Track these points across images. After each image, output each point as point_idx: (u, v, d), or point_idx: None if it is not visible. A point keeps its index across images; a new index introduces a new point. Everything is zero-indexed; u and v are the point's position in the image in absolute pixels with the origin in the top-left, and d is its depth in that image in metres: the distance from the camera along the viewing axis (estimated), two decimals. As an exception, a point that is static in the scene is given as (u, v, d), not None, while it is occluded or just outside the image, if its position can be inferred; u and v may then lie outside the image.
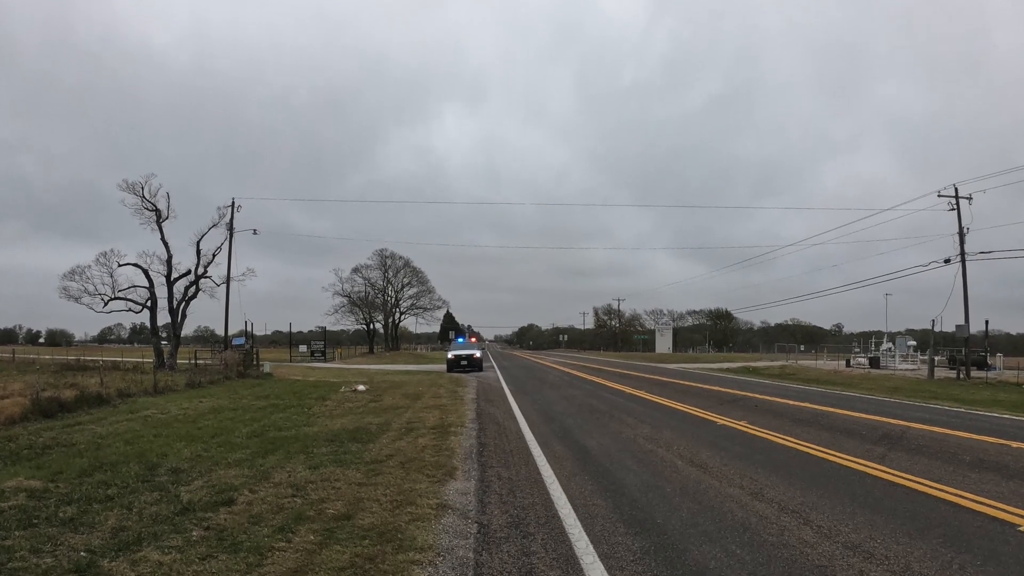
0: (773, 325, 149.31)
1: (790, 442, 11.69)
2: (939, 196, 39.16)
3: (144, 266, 38.06)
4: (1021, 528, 6.45)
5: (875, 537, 6.18)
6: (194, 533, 6.29)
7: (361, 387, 24.52)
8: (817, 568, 5.39)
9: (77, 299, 37.37)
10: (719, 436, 12.66)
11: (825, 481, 8.55)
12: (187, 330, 46.07)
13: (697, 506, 7.42)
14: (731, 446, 11.38)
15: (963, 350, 37.19)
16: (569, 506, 7.42)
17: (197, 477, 8.64)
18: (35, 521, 6.64)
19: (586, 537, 6.27)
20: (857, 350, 59.18)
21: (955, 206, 38.55)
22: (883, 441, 11.89)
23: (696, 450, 10.96)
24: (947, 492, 7.86)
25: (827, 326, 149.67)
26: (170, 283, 38.95)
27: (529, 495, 7.99)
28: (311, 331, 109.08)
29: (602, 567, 5.47)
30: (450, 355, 43.71)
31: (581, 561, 5.62)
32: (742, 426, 13.98)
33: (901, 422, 14.83)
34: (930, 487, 8.13)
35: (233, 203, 45.28)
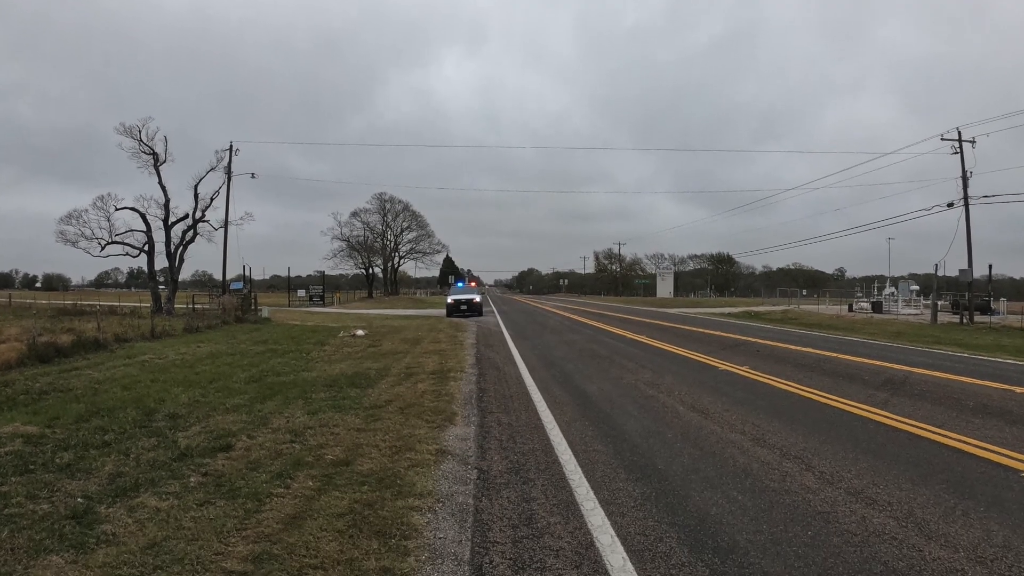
0: (775, 269, 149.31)
1: (792, 387, 11.64)
2: (942, 140, 38.69)
3: (141, 210, 37.93)
4: (1026, 474, 6.40)
5: (878, 483, 6.12)
6: (192, 479, 6.24)
7: (360, 332, 24.49)
8: (819, 515, 5.34)
9: (74, 243, 37.34)
10: (721, 381, 12.61)
11: (827, 427, 8.50)
12: (185, 274, 45.93)
13: (698, 452, 7.36)
14: (733, 391, 11.33)
15: (966, 295, 37.12)
16: (569, 452, 7.36)
17: (195, 423, 8.59)
18: (31, 467, 6.59)
19: (587, 483, 6.22)
20: (860, 295, 59.20)
21: (958, 149, 38.10)
22: (886, 386, 11.84)
23: (697, 395, 10.91)
24: (950, 438, 7.81)
25: (829, 270, 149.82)
26: (167, 227, 38.77)
27: (529, 441, 7.94)
28: (309, 276, 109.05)
29: (603, 513, 5.42)
30: (449, 300, 43.67)
31: (582, 507, 5.57)
32: (744, 371, 13.94)
33: (904, 367, 14.79)
34: (933, 433, 8.07)
35: (231, 147, 44.84)
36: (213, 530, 4.93)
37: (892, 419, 8.85)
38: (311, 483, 6.06)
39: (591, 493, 5.93)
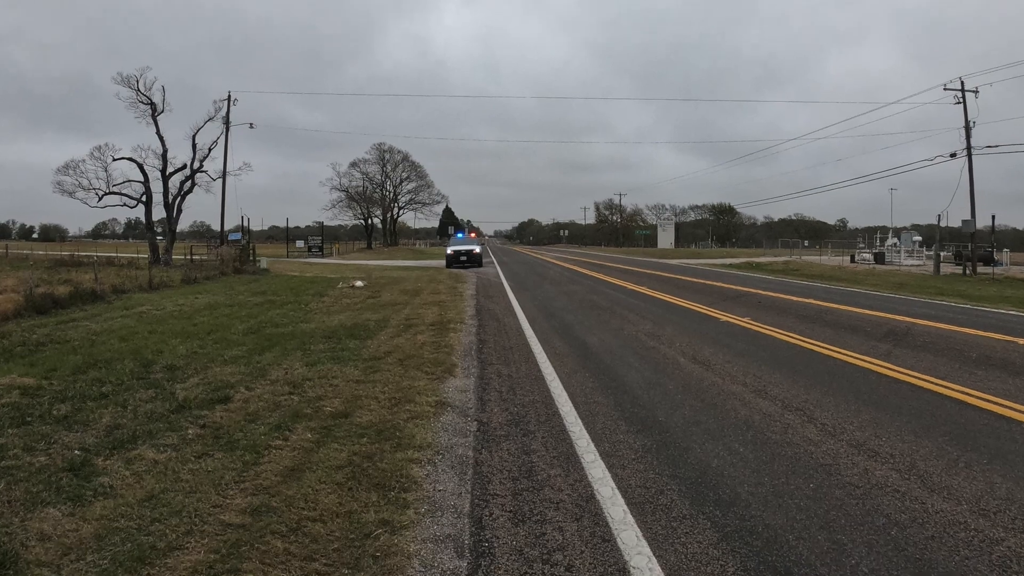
0: (777, 220, 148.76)
1: (794, 339, 11.59)
2: (945, 89, 38.19)
3: (139, 160, 37.64)
4: (1029, 426, 6.36)
5: (880, 435, 6.08)
6: (190, 431, 6.20)
7: (359, 283, 24.41)
8: (822, 467, 5.30)
9: (71, 194, 37.15)
10: (722, 333, 12.56)
11: (829, 378, 8.45)
12: (183, 225, 45.75)
13: (700, 403, 7.32)
14: (734, 343, 11.28)
15: (969, 245, 36.99)
16: (570, 404, 7.32)
17: (193, 374, 8.54)
18: (28, 419, 6.55)
19: (587, 435, 6.18)
20: (862, 245, 59.04)
21: (961, 100, 37.63)
22: (888, 338, 11.79)
23: (699, 347, 10.86)
24: (953, 389, 7.76)
25: (831, 221, 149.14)
26: (165, 178, 38.52)
27: (529, 392, 7.90)
28: (308, 226, 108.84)
29: (603, 465, 5.38)
30: (449, 251, 43.54)
31: (582, 459, 5.53)
32: (745, 323, 13.88)
33: (906, 318, 14.73)
34: (936, 384, 8.02)
35: (229, 97, 44.28)
36: (211, 482, 4.90)
37: (894, 371, 8.81)
38: (310, 435, 6.02)
39: (591, 445, 5.89)
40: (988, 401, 7.23)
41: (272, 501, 4.54)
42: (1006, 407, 6.97)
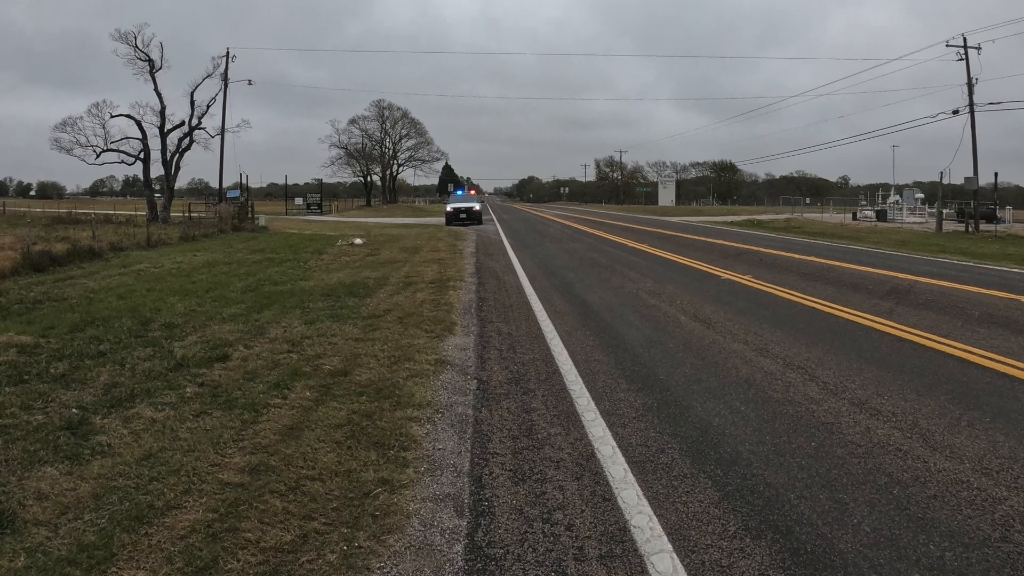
0: (778, 177, 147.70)
1: (796, 297, 11.53)
2: (947, 46, 37.62)
3: (137, 117, 37.32)
4: (1032, 385, 6.33)
5: (882, 393, 6.05)
6: (188, 389, 6.17)
7: (358, 240, 24.30)
8: (823, 425, 5.27)
9: (69, 151, 36.95)
10: (723, 291, 12.50)
11: (831, 336, 8.41)
12: (181, 182, 45.55)
13: (701, 362, 7.28)
14: (735, 301, 11.22)
15: (972, 203, 36.76)
16: (570, 362, 7.29)
17: (191, 332, 8.50)
18: (26, 377, 6.52)
19: (587, 393, 6.15)
20: (864, 203, 58.81)
21: (963, 56, 37.10)
22: (890, 295, 11.73)
23: (700, 305, 10.80)
24: (955, 347, 7.72)
25: (833, 178, 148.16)
26: (163, 135, 38.20)
27: (529, 351, 7.86)
28: (307, 184, 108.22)
29: (604, 424, 5.36)
30: (449, 208, 43.30)
31: (582, 418, 5.51)
32: (747, 280, 13.81)
33: (909, 276, 14.66)
34: (938, 342, 7.98)
35: (228, 53, 43.72)
36: (209, 441, 4.87)
37: (897, 329, 8.76)
38: (309, 394, 5.99)
39: (592, 404, 5.86)
40: (991, 359, 7.19)
41: (271, 460, 4.51)
42: (1009, 365, 6.93)
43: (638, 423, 5.40)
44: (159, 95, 37.68)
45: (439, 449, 4.84)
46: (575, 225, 41.64)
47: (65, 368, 6.83)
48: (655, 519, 3.76)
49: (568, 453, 4.79)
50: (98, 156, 37.44)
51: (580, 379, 6.62)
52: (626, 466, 4.51)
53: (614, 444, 4.91)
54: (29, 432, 5.08)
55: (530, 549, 3.46)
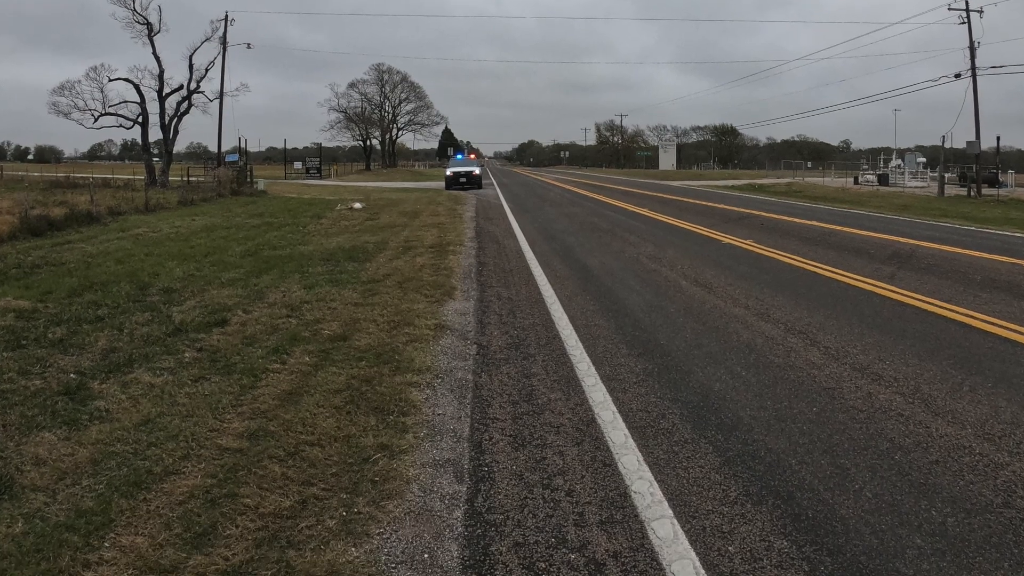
0: (779, 141, 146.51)
1: (797, 261, 11.47)
2: (949, 9, 37.09)
3: (135, 81, 37.03)
4: (1035, 350, 6.30)
5: (884, 359, 6.02)
6: (186, 354, 6.14)
7: (357, 205, 24.17)
8: (825, 390, 5.25)
9: (67, 115, 36.77)
10: (724, 255, 12.44)
11: (833, 301, 8.36)
12: (179, 147, 45.27)
13: (701, 327, 7.25)
14: (736, 265, 11.16)
15: (974, 167, 36.51)
16: (571, 327, 7.25)
17: (189, 297, 8.45)
18: (23, 342, 6.49)
19: (588, 358, 6.12)
20: (865, 167, 58.34)
21: (965, 19, 36.60)
22: (892, 260, 11.67)
23: (701, 269, 10.74)
24: (957, 312, 7.67)
25: (835, 143, 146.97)
26: (162, 98, 37.88)
27: (529, 315, 7.82)
28: (306, 148, 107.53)
29: (604, 389, 5.33)
30: (448, 172, 42.99)
31: (582, 383, 5.49)
32: (748, 245, 13.73)
33: (910, 240, 14.58)
34: (940, 307, 7.94)
35: (226, 16, 43.10)
36: (208, 406, 4.85)
37: (898, 293, 8.71)
38: (308, 359, 5.96)
39: (592, 369, 5.84)
40: (993, 324, 7.15)
41: (270, 425, 4.50)
42: (1011, 330, 6.89)
43: (639, 388, 5.38)
44: (157, 59, 37.33)
45: (439, 414, 4.82)
46: (575, 189, 41.42)
47: (63, 333, 6.79)
48: (656, 484, 3.74)
49: (568, 418, 4.77)
50: (96, 120, 37.24)
51: (580, 344, 6.59)
52: (626, 431, 4.49)
53: (614, 409, 4.89)
54: (27, 397, 5.05)
55: (530, 515, 3.45)
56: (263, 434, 4.35)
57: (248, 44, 46.21)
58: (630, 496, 3.63)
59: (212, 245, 13.47)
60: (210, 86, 42.10)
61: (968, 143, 37.23)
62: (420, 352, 6.19)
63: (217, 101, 42.70)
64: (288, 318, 7.43)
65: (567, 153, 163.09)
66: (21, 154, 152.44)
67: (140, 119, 37.70)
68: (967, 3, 36.66)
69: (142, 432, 4.39)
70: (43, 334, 6.75)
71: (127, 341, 6.56)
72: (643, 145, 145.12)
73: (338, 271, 10.31)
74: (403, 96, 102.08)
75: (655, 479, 3.81)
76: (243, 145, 47.53)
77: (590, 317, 7.71)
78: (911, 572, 2.92)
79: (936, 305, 8.03)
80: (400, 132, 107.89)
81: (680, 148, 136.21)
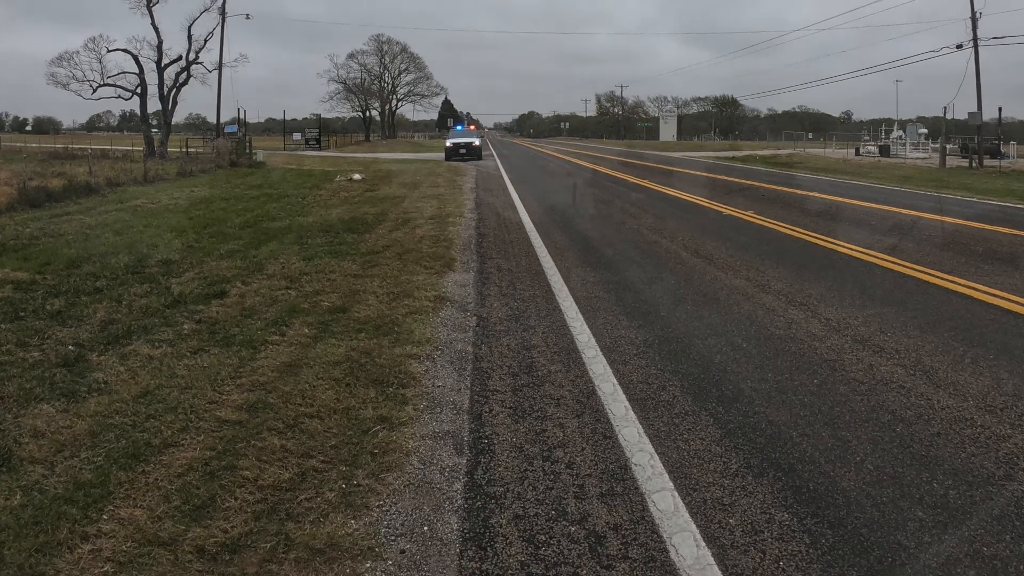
0: (780, 112, 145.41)
1: (798, 232, 11.40)
2: (951, -21, 36.51)
3: (134, 52, 36.84)
4: (1037, 321, 6.27)
5: (885, 331, 5.99)
6: (185, 326, 6.11)
7: (357, 176, 24.03)
8: (826, 362, 5.23)
9: (65, 86, 36.72)
10: (725, 227, 12.38)
11: (834, 273, 8.33)
12: (178, 118, 45.08)
13: (702, 298, 7.22)
14: (737, 237, 11.11)
15: (975, 138, 36.28)
16: (571, 299, 7.22)
17: (188, 269, 8.41)
18: (21, 314, 6.46)
19: (588, 331, 6.09)
20: (867, 138, 57.98)
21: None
22: (894, 231, 11.62)
23: (701, 241, 10.69)
24: (959, 284, 7.63)
25: (836, 113, 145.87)
26: (160, 69, 37.66)
27: (529, 287, 7.79)
28: (305, 119, 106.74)
29: (604, 361, 5.31)
30: (448, 143, 42.72)
31: (583, 355, 5.46)
32: (749, 216, 13.66)
33: (912, 212, 14.51)
34: (942, 279, 7.89)
35: (226, -13, 42.51)
36: (207, 378, 4.83)
37: (900, 265, 8.67)
38: (307, 331, 5.93)
39: (592, 340, 5.81)
40: (995, 296, 7.11)
41: (269, 397, 4.48)
42: (1013, 302, 6.85)
43: (639, 360, 5.36)
44: (156, 29, 37.03)
45: (438, 386, 4.81)
46: (575, 160, 41.20)
47: (61, 305, 6.76)
48: (656, 457, 3.73)
49: (569, 390, 4.75)
50: (95, 91, 37.13)
51: (581, 315, 6.56)
52: (627, 403, 4.48)
53: (615, 381, 4.88)
54: (25, 369, 5.03)
55: (530, 487, 3.44)
56: (262, 406, 4.33)
57: (247, 15, 45.67)
58: (630, 468, 3.61)
59: (211, 216, 13.40)
60: (209, 57, 41.90)
61: (970, 114, 36.94)
62: (420, 324, 6.16)
63: (216, 72, 42.39)
64: (287, 290, 7.39)
65: (567, 124, 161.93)
66: (19, 125, 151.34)
67: (139, 90, 37.58)
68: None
69: (141, 404, 4.37)
70: (41, 306, 6.72)
71: (126, 313, 6.52)
72: (643, 116, 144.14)
73: (337, 242, 10.25)
74: (402, 67, 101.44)
75: (655, 451, 3.79)
76: (242, 116, 47.17)
77: (590, 288, 7.68)
78: (913, 544, 2.91)
79: (937, 277, 7.99)
80: (399, 103, 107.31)
81: (680, 119, 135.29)
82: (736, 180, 24.60)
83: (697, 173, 28.74)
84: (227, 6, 42.54)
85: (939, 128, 42.69)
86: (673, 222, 13.01)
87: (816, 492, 3.36)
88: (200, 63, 39.44)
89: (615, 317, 6.56)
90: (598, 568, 2.80)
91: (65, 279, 7.83)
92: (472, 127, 60.96)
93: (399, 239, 10.56)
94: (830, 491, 3.36)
